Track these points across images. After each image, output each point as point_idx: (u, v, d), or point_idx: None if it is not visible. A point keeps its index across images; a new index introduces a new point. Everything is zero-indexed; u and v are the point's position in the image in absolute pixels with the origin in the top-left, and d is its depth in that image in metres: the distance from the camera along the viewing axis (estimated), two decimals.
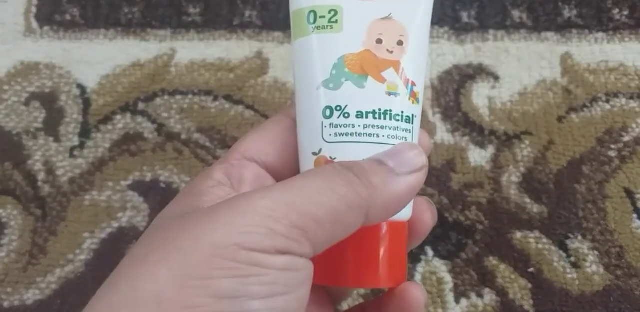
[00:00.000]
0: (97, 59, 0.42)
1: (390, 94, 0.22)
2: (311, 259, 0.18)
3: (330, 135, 0.22)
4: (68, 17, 0.44)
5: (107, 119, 0.40)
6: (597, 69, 0.40)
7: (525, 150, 0.38)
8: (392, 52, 0.22)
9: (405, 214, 0.23)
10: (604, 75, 0.40)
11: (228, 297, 0.16)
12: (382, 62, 0.22)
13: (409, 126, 0.22)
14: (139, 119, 0.40)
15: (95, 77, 0.41)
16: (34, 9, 0.44)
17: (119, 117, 0.40)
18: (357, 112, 0.22)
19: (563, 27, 0.42)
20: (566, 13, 0.42)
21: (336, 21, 0.22)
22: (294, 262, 0.17)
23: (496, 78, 0.40)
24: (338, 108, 0.22)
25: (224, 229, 0.17)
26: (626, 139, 0.38)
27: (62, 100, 0.41)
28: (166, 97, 0.40)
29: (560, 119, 0.39)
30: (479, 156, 0.38)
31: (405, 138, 0.22)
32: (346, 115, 0.22)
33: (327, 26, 0.22)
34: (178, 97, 0.40)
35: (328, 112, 0.22)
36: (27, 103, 0.41)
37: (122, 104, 0.40)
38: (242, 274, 0.16)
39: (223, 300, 0.16)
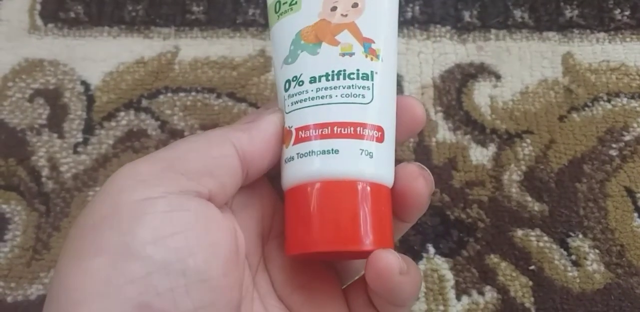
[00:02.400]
0: (101, 56, 0.42)
1: (344, 54, 0.22)
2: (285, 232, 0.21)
3: (288, 105, 0.22)
4: (72, 14, 0.44)
5: (110, 116, 0.40)
6: (598, 69, 0.41)
7: (526, 149, 0.38)
8: (346, 16, 0.23)
9: (384, 177, 0.22)
10: (605, 74, 0.40)
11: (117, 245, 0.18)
12: (335, 26, 0.22)
13: (366, 83, 0.22)
14: (143, 115, 0.40)
15: (99, 74, 0.41)
16: (38, 6, 0.44)
17: (122, 114, 0.40)
18: (310, 77, 0.22)
19: (565, 27, 0.42)
20: (568, 13, 0.42)
21: (295, 3, 0.23)
22: (181, 203, 0.19)
23: (498, 77, 0.41)
24: (294, 78, 0.22)
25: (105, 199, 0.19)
26: (627, 138, 0.38)
27: (66, 97, 0.41)
28: (169, 94, 0.41)
29: (561, 118, 0.39)
30: (480, 154, 0.38)
31: (363, 95, 0.22)
32: (300, 83, 0.22)
33: (288, 10, 0.23)
34: (181, 94, 0.41)
35: (287, 85, 0.23)
36: (31, 99, 0.41)
37: (126, 100, 0.41)
38: (127, 226, 0.18)
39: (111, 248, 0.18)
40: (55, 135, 0.40)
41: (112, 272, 0.17)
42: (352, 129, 0.21)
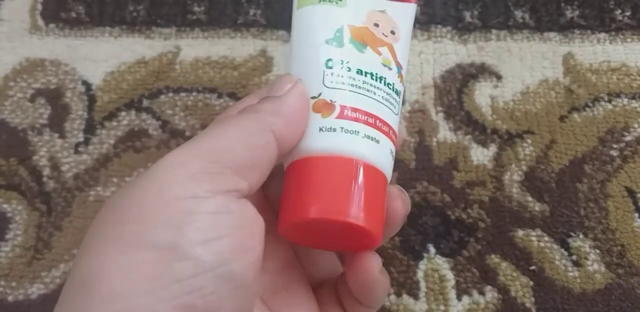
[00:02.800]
0: (102, 56, 0.42)
1: (384, 65, 0.24)
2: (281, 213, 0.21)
3: (331, 82, 0.23)
4: (73, 14, 0.44)
5: (111, 116, 0.40)
6: (599, 69, 0.41)
7: (527, 149, 0.38)
8: (387, 36, 0.25)
9: (381, 162, 0.23)
10: (606, 75, 0.40)
11: (167, 248, 0.17)
12: (379, 39, 0.24)
13: (397, 98, 0.24)
14: (144, 115, 0.40)
15: (100, 74, 0.42)
16: (39, 6, 0.44)
17: (123, 113, 0.40)
18: (358, 69, 0.23)
19: (565, 28, 0.42)
20: (569, 13, 0.43)
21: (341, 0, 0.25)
22: (226, 205, 0.19)
23: (499, 77, 0.41)
24: (341, 62, 0.23)
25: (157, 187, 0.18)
26: (628, 138, 0.38)
27: (67, 96, 0.41)
28: (171, 94, 0.41)
29: (562, 119, 0.39)
30: (481, 155, 0.38)
31: (395, 106, 0.24)
32: (348, 69, 0.23)
33: (333, 1, 0.25)
34: (182, 94, 0.41)
35: (330, 64, 0.23)
36: (32, 99, 0.41)
37: (127, 100, 0.41)
38: (177, 224, 0.17)
39: (164, 250, 0.17)
40: (56, 135, 0.40)
41: (160, 270, 0.17)
42: (388, 129, 0.23)
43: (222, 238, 0.18)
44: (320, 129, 0.22)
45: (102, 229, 0.19)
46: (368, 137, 0.22)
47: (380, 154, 0.22)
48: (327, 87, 0.23)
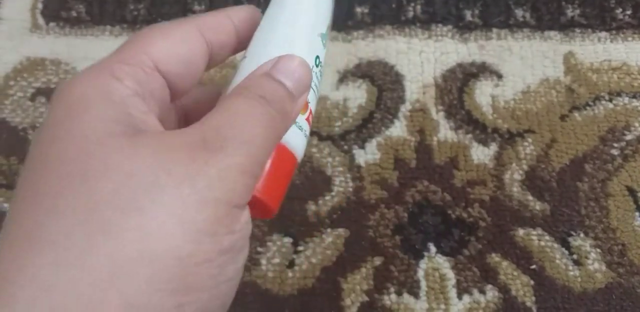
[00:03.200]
0: (102, 55, 0.42)
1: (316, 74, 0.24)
2: None
3: (313, 82, 0.22)
4: (74, 13, 0.44)
5: None
6: (600, 68, 0.41)
7: (528, 148, 0.38)
8: None
9: (297, 146, 0.22)
10: (606, 74, 0.40)
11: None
12: None
13: (318, 70, 0.24)
14: None
15: None
16: (40, 5, 0.44)
17: None
18: (322, 64, 0.23)
19: (566, 26, 0.42)
20: (569, 12, 0.42)
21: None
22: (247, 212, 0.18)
23: (499, 76, 0.41)
24: (320, 60, 0.23)
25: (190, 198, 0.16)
26: (629, 137, 0.38)
27: None
28: None
29: (563, 118, 0.39)
30: (482, 154, 0.38)
31: (316, 83, 0.23)
32: (321, 67, 0.23)
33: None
34: None
35: (317, 61, 0.23)
36: (32, 98, 0.41)
37: None
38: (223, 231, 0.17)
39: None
40: None
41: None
42: (309, 113, 0.23)
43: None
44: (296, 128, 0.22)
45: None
46: (300, 127, 0.22)
47: (299, 138, 0.22)
48: (311, 87, 0.23)
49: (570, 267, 0.35)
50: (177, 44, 0.20)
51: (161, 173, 0.16)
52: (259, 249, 0.36)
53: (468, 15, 0.43)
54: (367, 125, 0.39)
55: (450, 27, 0.42)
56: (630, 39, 0.41)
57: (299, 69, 0.20)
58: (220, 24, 0.21)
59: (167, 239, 0.15)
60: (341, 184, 0.38)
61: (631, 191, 0.37)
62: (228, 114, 0.18)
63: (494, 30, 0.42)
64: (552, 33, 0.42)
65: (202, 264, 0.16)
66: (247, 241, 0.18)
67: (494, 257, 0.35)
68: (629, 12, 0.42)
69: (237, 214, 0.17)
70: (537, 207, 0.37)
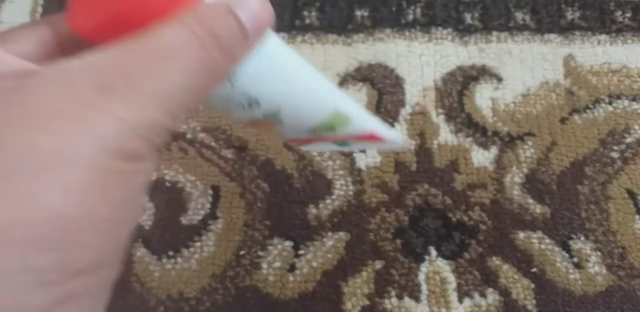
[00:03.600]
0: None
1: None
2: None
3: None
4: None
5: None
6: (599, 71, 0.41)
7: (528, 151, 0.38)
8: None
9: None
10: (606, 77, 0.40)
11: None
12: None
13: None
14: None
15: None
16: (39, 9, 0.44)
17: None
18: None
19: (566, 29, 0.42)
20: (569, 15, 0.43)
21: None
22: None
23: (499, 79, 0.41)
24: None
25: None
26: (629, 140, 0.38)
27: None
28: None
29: (563, 121, 0.39)
30: (482, 157, 0.38)
31: None
32: None
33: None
34: None
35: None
36: None
37: None
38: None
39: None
40: None
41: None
42: None
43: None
44: None
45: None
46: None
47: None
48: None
49: (571, 271, 0.35)
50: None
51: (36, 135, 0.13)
52: (260, 253, 0.36)
53: (468, 18, 0.43)
54: None
55: (450, 30, 0.42)
56: (630, 41, 0.41)
57: (260, 7, 0.18)
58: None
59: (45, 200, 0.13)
60: (342, 188, 0.38)
61: (631, 194, 0.37)
62: (147, 47, 0.15)
63: (494, 33, 0.42)
64: (552, 36, 0.42)
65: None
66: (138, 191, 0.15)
67: (495, 261, 0.36)
68: (628, 15, 0.42)
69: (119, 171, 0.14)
70: (538, 211, 0.37)
